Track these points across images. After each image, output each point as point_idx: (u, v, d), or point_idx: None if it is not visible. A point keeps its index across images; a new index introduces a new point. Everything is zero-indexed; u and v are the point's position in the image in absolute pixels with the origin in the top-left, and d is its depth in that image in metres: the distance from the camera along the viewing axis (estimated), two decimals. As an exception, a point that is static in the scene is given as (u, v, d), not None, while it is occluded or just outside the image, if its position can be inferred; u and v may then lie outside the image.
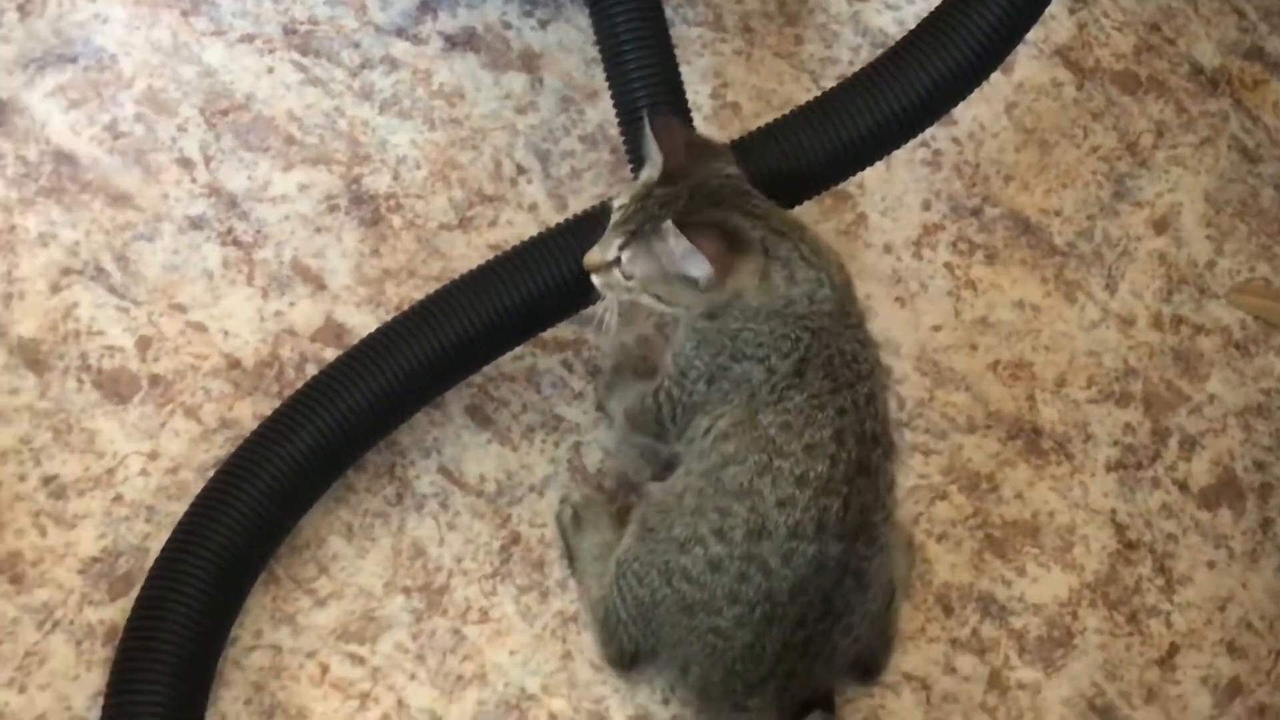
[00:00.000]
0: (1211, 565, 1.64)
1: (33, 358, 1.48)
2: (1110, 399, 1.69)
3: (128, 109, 1.59)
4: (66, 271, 1.52)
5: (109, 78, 1.60)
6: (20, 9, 1.59)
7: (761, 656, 1.34)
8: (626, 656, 1.43)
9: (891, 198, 1.72)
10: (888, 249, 1.70)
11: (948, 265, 1.70)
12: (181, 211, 1.57)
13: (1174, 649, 1.60)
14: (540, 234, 1.47)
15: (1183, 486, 1.67)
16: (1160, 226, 1.77)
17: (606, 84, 1.52)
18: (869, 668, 1.48)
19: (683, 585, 1.34)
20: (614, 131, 1.68)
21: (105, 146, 1.57)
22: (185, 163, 1.59)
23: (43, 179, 1.54)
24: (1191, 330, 1.73)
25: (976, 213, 1.73)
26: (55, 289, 1.51)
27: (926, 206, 1.73)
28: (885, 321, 1.66)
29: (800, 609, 1.32)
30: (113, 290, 1.52)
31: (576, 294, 1.45)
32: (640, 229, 1.33)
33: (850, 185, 1.70)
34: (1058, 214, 1.75)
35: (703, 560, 1.33)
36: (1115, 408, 1.69)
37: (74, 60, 1.60)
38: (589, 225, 1.45)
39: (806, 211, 1.66)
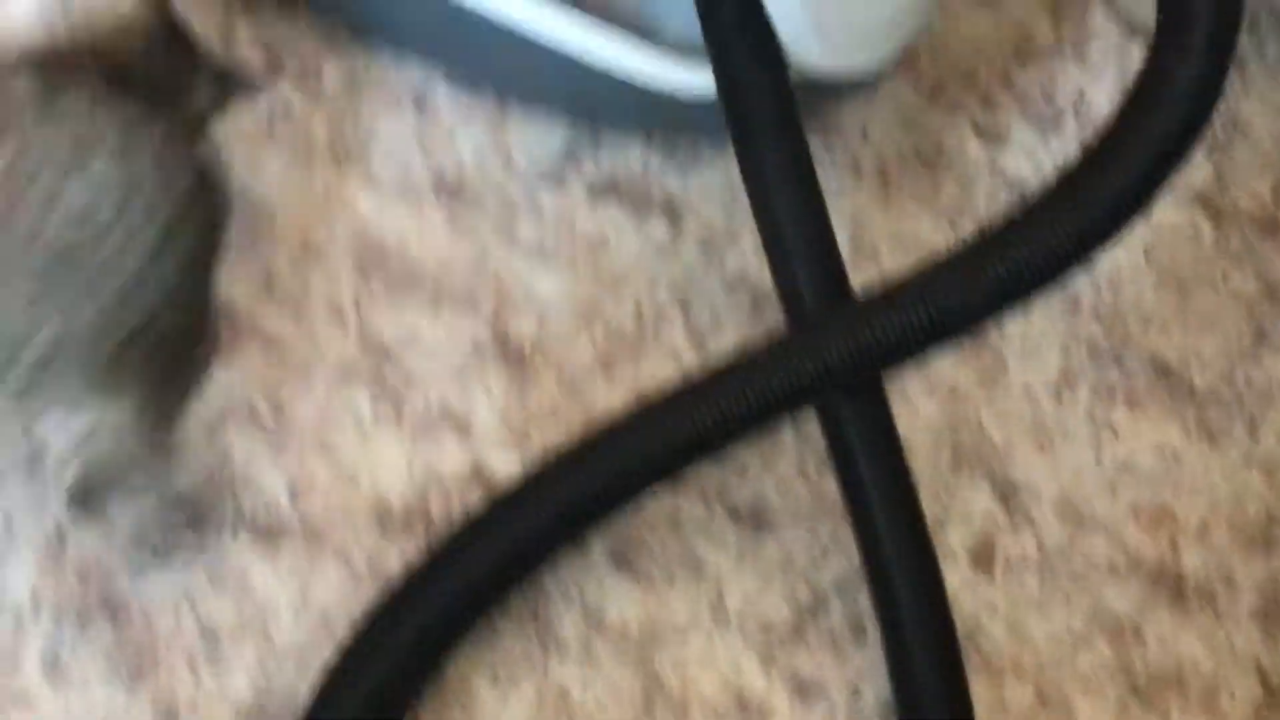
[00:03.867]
0: (1356, 717, 1.62)
1: (192, 508, 1.52)
2: (1253, 545, 1.68)
3: (282, 258, 1.64)
4: (224, 416, 1.56)
5: (264, 227, 1.65)
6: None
7: None
8: None
9: (1030, 342, 1.73)
10: (1027, 392, 1.70)
11: (1088, 410, 1.71)
12: (334, 357, 1.61)
13: (1318, 801, 1.58)
14: (687, 379, 1.49)
15: (1326, 636, 1.66)
16: (1302, 371, 1.77)
17: (757, 229, 1.54)
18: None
19: None
20: (755, 277, 1.70)
21: (261, 296, 1.62)
22: (336, 310, 1.63)
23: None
24: (1335, 477, 1.72)
25: (1116, 357, 1.73)
26: (211, 433, 1.55)
27: (1065, 351, 1.73)
28: (1024, 467, 1.66)
29: None
30: (265, 434, 1.56)
31: (722, 436, 1.47)
32: None
33: (988, 330, 1.71)
34: (1198, 358, 1.75)
35: None
36: (1259, 556, 1.68)
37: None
38: (738, 372, 1.47)
39: (944, 355, 1.67)
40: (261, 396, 1.58)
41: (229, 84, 1.56)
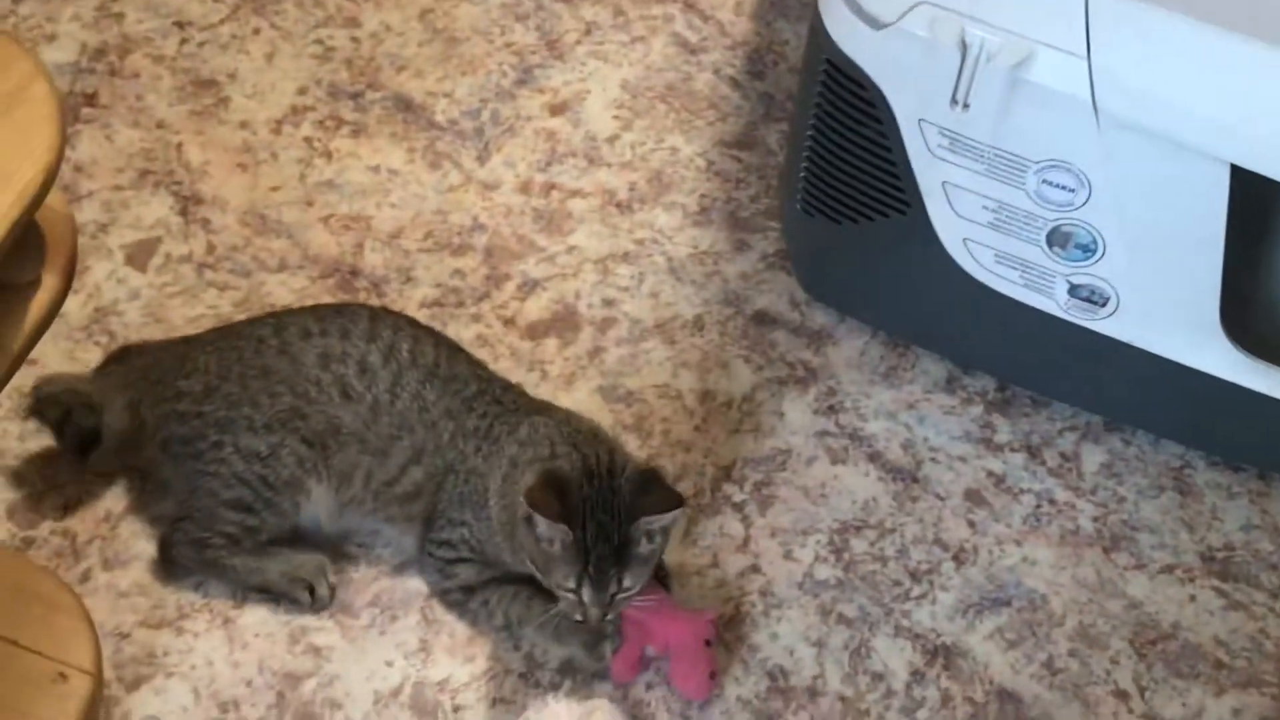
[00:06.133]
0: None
1: None
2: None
3: (1061, 646, 1.69)
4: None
5: (1041, 617, 1.71)
6: (955, 559, 1.74)
7: None
8: None
9: None
10: None
11: None
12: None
13: None
14: None
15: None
16: None
17: None
18: None
19: None
20: None
21: (1044, 683, 1.67)
22: (1120, 694, 1.66)
23: (990, 718, 1.65)
24: None
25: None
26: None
27: None
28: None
29: None
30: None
31: None
32: (620, 558, 1.53)
33: None
34: None
35: None
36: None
37: (1008, 603, 1.72)
38: None
39: None
40: (1064, 788, 1.62)
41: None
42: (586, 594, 1.55)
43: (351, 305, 1.78)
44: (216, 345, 1.69)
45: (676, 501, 1.56)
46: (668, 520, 1.55)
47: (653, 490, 1.56)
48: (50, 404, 1.70)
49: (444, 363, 1.66)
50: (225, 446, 1.63)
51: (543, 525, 1.52)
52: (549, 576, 1.56)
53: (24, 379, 1.74)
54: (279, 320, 1.69)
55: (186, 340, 1.74)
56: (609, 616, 1.58)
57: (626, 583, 1.55)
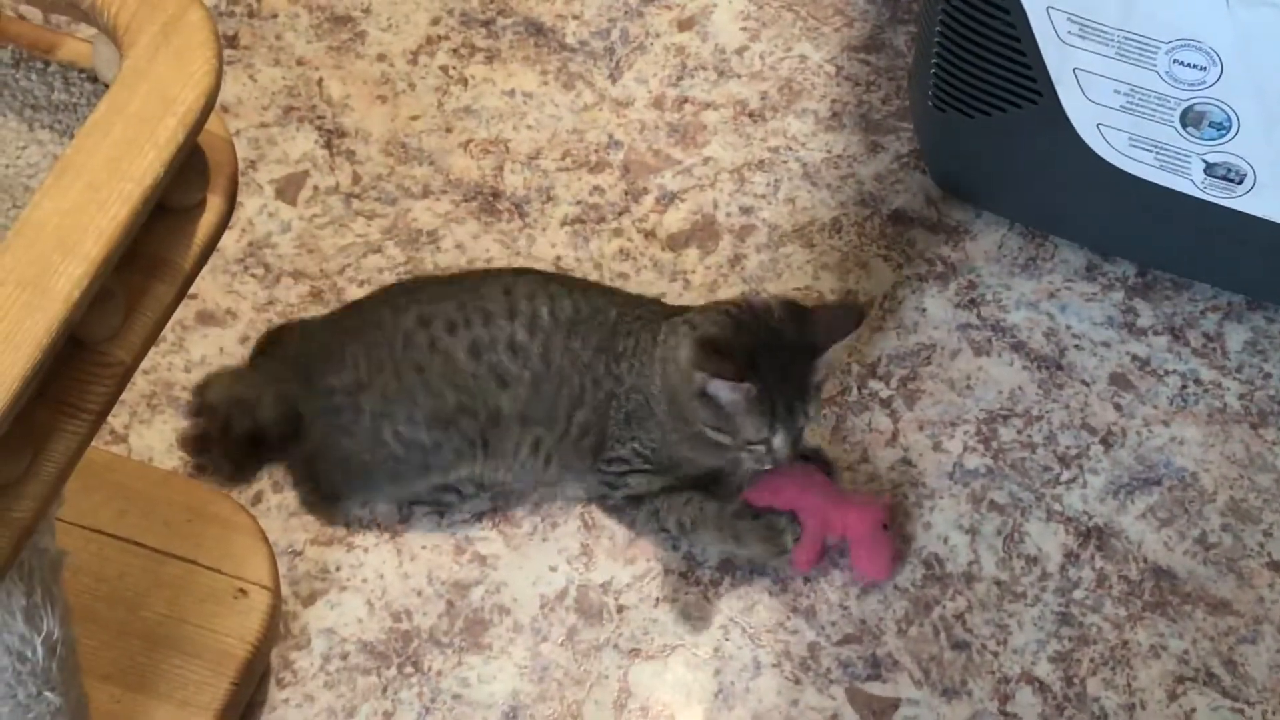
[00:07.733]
0: None
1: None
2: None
3: (1213, 521, 1.70)
4: (1180, 679, 1.62)
5: (1192, 494, 1.72)
6: (1104, 442, 1.76)
7: None
8: None
9: None
10: None
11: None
12: None
13: None
14: None
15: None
16: None
17: None
18: None
19: None
20: None
21: (1198, 559, 1.69)
22: (1275, 566, 1.68)
23: (1145, 595, 1.67)
24: None
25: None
26: (1172, 696, 1.61)
27: None
28: None
29: None
30: (1225, 693, 1.61)
31: None
32: (802, 392, 1.57)
33: None
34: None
35: None
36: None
37: (1158, 482, 1.73)
38: None
39: None
40: (1215, 657, 1.63)
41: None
42: (779, 439, 1.58)
43: (484, 279, 1.74)
44: (361, 338, 1.68)
45: (859, 314, 1.62)
46: (852, 338, 1.62)
47: (822, 318, 1.61)
48: (208, 411, 1.76)
49: (583, 305, 1.67)
50: (384, 431, 1.67)
51: (724, 391, 1.55)
52: (737, 437, 1.58)
53: (185, 313, 1.82)
54: (421, 310, 1.68)
55: (327, 324, 1.76)
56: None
57: (811, 412, 1.60)
